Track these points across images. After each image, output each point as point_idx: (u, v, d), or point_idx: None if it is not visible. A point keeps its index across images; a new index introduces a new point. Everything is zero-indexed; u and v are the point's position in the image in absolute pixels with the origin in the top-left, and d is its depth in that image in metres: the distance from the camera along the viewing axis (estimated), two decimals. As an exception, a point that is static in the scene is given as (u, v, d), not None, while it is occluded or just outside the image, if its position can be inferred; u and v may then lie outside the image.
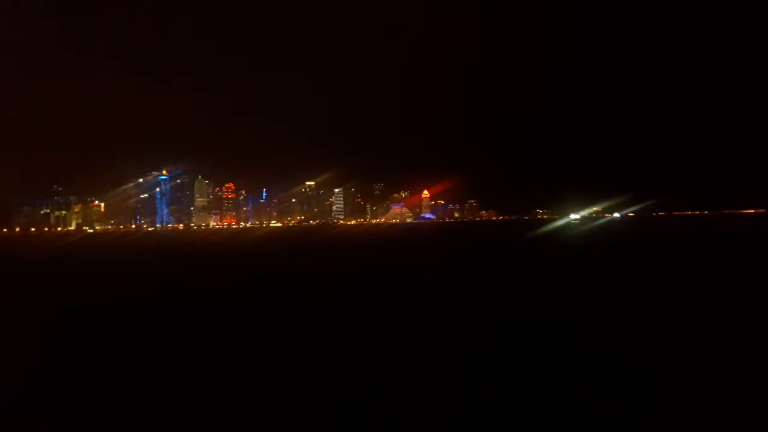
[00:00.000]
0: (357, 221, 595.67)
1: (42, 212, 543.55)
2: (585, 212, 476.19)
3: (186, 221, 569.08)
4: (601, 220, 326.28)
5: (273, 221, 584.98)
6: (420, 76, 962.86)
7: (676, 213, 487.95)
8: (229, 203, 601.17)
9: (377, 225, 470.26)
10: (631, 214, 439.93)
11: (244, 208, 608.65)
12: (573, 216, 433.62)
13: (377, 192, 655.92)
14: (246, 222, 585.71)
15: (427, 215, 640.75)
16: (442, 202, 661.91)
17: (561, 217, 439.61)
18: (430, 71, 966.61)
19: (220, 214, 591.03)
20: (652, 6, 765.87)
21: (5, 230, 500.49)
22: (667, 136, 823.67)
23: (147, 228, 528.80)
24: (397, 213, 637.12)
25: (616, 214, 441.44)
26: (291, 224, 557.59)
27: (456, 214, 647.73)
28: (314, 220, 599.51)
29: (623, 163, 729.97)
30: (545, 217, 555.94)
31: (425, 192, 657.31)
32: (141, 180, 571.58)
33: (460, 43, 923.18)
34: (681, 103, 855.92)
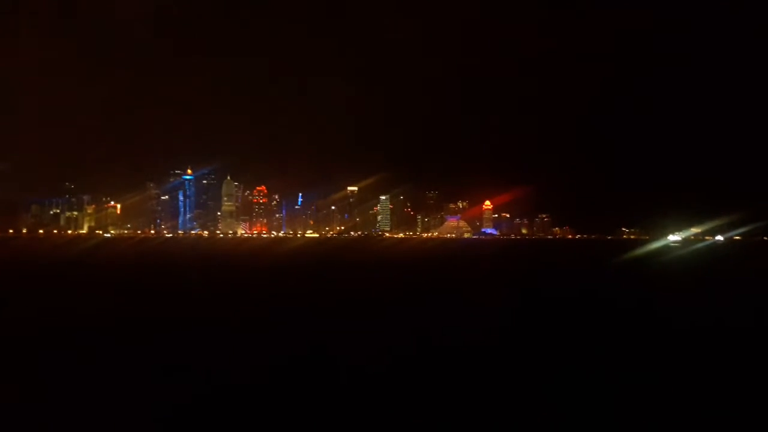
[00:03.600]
0: (405, 234, 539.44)
1: (51, 212, 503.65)
2: (681, 234, 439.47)
3: (211, 228, 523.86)
4: (703, 244, 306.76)
5: (309, 231, 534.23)
6: (487, 70, 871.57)
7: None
8: (260, 209, 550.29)
9: (429, 239, 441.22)
10: (737, 237, 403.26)
11: (277, 215, 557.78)
12: (672, 237, 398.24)
13: (430, 201, 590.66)
14: (278, 231, 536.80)
15: (489, 230, 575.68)
16: (508, 215, 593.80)
17: (653, 238, 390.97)
18: (502, 66, 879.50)
19: (249, 221, 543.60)
20: None
21: (11, 231, 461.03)
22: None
23: (167, 234, 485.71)
24: (452, 226, 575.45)
25: (719, 237, 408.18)
26: (329, 235, 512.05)
27: (524, 231, 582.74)
28: (356, 232, 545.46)
29: (727, 176, 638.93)
30: (633, 237, 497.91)
31: (487, 203, 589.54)
32: (162, 180, 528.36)
33: (534, 40, 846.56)
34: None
